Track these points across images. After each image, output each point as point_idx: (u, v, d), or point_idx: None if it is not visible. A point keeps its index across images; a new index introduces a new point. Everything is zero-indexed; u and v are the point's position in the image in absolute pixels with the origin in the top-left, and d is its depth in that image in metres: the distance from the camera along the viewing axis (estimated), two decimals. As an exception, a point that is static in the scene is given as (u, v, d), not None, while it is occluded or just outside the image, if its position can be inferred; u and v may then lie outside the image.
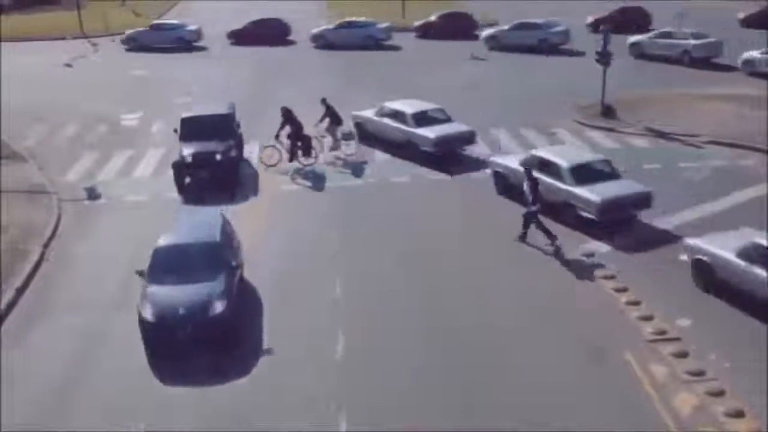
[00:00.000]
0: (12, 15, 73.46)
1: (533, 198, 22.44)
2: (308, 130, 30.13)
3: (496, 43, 54.01)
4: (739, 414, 14.83)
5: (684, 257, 20.24)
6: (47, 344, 18.37)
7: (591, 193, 23.00)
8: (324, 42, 57.17)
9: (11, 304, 20.08)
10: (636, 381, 16.09)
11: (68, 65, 52.91)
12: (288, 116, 29.87)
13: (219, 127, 28.77)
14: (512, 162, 26.04)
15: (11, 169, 30.38)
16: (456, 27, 59.06)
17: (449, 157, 29.74)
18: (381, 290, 20.29)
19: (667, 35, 48.34)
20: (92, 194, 27.44)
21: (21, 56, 55.46)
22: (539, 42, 52.49)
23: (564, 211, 23.71)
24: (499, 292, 20.11)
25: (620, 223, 23.21)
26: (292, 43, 59.39)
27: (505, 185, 26.17)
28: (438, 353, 17.36)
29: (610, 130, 33.62)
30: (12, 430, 15.24)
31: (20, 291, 20.79)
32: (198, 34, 59.84)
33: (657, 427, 14.75)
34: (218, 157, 27.54)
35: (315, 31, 58.32)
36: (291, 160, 29.71)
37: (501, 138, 32.55)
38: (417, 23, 60.91)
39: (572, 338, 17.78)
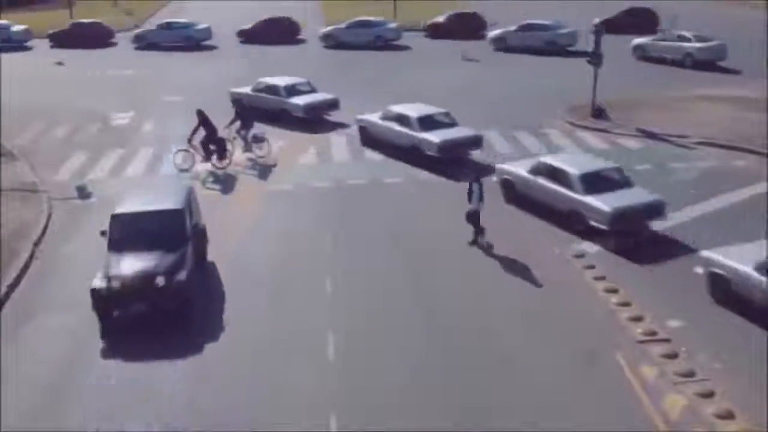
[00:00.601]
0: (4, 13, 73.20)
1: (479, 196, 22.56)
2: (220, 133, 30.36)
3: (502, 45, 53.80)
4: (729, 415, 14.84)
5: (699, 270, 19.62)
6: (35, 342, 18.32)
7: (602, 203, 22.53)
8: (334, 41, 57.26)
9: (0, 303, 20.00)
10: (626, 382, 16.08)
11: (60, 63, 52.79)
12: (202, 119, 30.01)
13: (166, 232, 19.71)
14: (521, 169, 25.61)
15: (2, 167, 30.27)
16: (464, 27, 59.27)
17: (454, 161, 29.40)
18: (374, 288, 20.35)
19: (670, 38, 48.24)
20: (83, 193, 27.34)
21: (12, 54, 55.32)
22: (546, 44, 52.34)
23: (574, 220, 23.25)
24: (489, 294, 20.09)
25: (632, 234, 22.78)
26: (302, 42, 59.56)
27: (515, 194, 25.60)
28: (428, 355, 17.29)
29: (601, 130, 33.71)
30: (12, 430, 15.19)
31: (9, 289, 20.71)
32: (208, 32, 60.02)
33: (647, 429, 14.78)
34: (159, 281, 18.53)
35: (325, 30, 58.57)
36: (206, 161, 29.80)
37: (493, 140, 32.53)
38: (426, 23, 61.35)
39: (562, 339, 17.77)
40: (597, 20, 35.92)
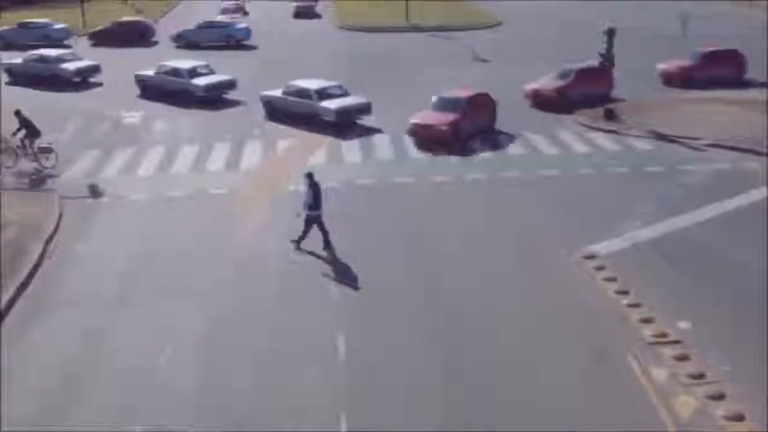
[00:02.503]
0: (15, 10, 73.47)
1: (315, 202, 22.54)
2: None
3: (182, 41, 58.63)
4: (739, 417, 14.76)
5: None
6: (48, 341, 18.29)
7: (329, 105, 33.85)
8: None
9: (12, 301, 20.02)
10: (636, 384, 16.01)
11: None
12: (22, 120, 30.39)
13: None
14: (276, 92, 36.90)
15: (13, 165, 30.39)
16: (129, 34, 60.95)
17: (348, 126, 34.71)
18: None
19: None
20: (94, 192, 27.40)
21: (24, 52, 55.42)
22: (226, 38, 58.81)
23: (312, 119, 34.48)
24: (500, 293, 20.04)
25: (349, 124, 34.13)
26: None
27: (272, 110, 36.56)
28: (437, 353, 17.26)
29: (613, 132, 33.62)
30: (12, 430, 15.18)
31: (21, 288, 20.72)
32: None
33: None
34: None
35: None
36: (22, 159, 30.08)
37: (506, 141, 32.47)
38: (92, 30, 62.88)
39: (573, 340, 17.71)
40: (609, 23, 35.87)
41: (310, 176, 22.80)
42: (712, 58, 42.27)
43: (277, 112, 36.59)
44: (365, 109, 35.50)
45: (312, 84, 36.39)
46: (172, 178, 29.17)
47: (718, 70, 41.58)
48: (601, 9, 60.68)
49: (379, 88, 41.12)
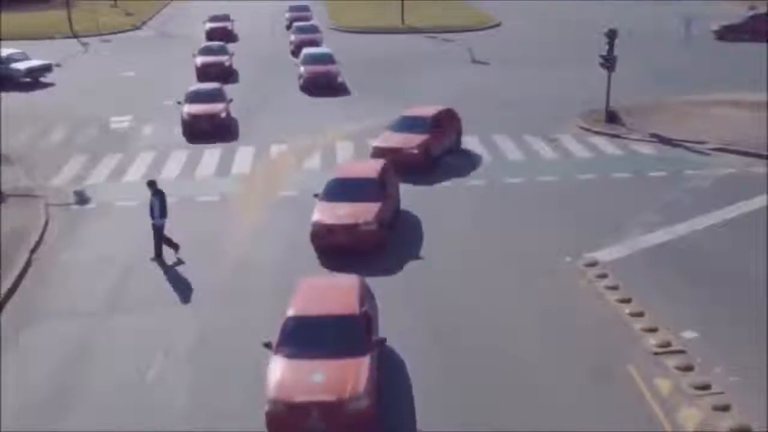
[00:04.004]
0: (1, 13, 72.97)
1: (161, 211, 22.08)
2: None
3: None
4: (745, 429, 14.31)
5: None
6: (32, 350, 17.96)
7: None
8: None
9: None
10: (640, 394, 15.57)
11: (57, 65, 52.29)
12: None
13: None
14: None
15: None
16: None
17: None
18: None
19: None
20: (81, 199, 26.93)
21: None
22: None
23: None
24: (501, 302, 19.57)
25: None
26: None
27: None
28: (436, 359, 16.91)
29: (615, 136, 33.05)
30: (12, 430, 14.96)
31: (6, 296, 20.35)
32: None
33: None
34: None
35: None
36: None
37: (501, 143, 31.98)
38: None
39: (575, 350, 17.28)
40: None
41: (152, 184, 22.38)
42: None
43: None
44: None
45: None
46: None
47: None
48: (601, 9, 60.21)
49: (378, 90, 40.79)
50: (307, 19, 61.54)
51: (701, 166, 29.13)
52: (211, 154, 31.60)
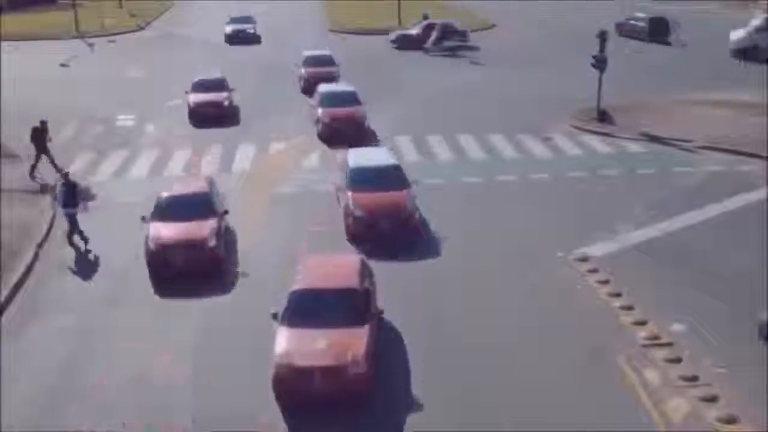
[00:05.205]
0: (7, 14, 73.17)
1: (73, 201, 23.27)
2: None
3: None
4: (732, 420, 14.76)
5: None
6: (39, 344, 18.31)
7: None
8: None
9: (4, 304, 20.00)
10: (628, 386, 16.01)
11: (64, 65, 52.67)
12: None
13: None
14: None
15: (6, 168, 30.18)
16: None
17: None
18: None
19: None
20: (86, 195, 27.25)
21: (16, 55, 55.20)
22: None
23: None
24: (492, 295, 20.02)
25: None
26: None
27: None
28: (424, 355, 17.24)
29: (606, 134, 33.60)
30: (12, 430, 15.19)
31: (13, 291, 20.68)
32: None
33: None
34: None
35: None
36: None
37: (498, 143, 32.48)
38: None
39: (565, 342, 17.70)
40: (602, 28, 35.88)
41: (65, 176, 23.83)
42: None
43: None
44: None
45: None
46: None
47: None
48: (594, 11, 60.62)
49: (376, 94, 41.09)
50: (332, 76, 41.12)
51: (689, 163, 29.68)
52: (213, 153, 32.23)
